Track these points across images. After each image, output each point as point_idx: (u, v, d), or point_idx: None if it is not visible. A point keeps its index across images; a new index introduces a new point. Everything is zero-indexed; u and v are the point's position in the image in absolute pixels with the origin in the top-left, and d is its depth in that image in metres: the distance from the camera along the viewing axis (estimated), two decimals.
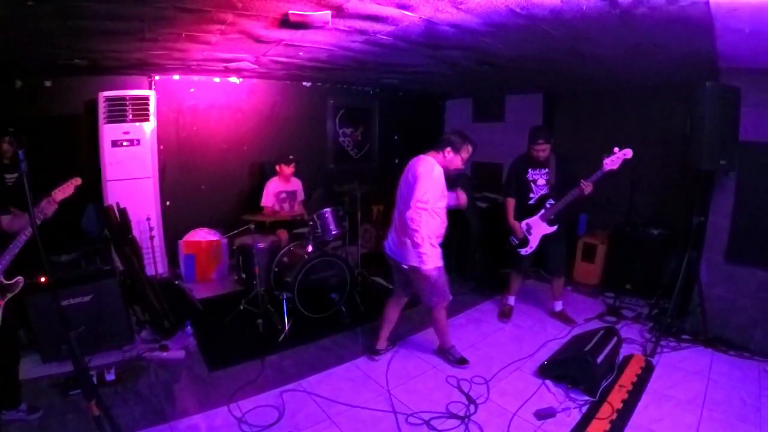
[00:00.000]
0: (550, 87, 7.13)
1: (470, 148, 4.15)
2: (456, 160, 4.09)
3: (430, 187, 3.85)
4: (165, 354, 4.58)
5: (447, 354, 4.53)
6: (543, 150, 4.79)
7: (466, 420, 3.58)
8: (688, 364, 4.30)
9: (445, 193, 4.05)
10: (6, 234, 3.27)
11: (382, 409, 3.77)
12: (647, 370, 4.16)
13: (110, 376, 4.07)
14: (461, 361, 4.42)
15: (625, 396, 3.75)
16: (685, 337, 4.72)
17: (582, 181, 4.57)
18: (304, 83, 7.85)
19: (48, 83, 6.09)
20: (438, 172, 3.92)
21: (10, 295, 3.28)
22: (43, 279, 4.25)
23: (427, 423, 3.57)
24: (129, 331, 4.80)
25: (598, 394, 3.75)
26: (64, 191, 3.35)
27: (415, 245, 3.84)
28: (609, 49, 4.01)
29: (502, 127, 8.17)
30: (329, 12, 3.28)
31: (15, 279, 3.29)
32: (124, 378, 4.17)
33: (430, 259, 3.87)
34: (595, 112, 6.90)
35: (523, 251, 5.10)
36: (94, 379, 3.96)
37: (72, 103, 6.25)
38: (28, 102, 5.98)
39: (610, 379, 3.95)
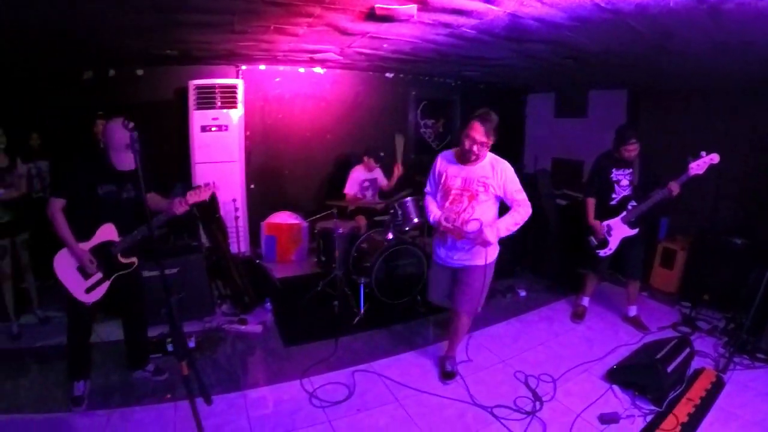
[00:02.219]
0: (635, 83, 6.88)
1: (472, 123, 3.67)
2: (462, 140, 3.74)
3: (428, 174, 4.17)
4: (243, 327, 4.84)
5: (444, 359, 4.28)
6: (634, 150, 4.65)
7: (531, 416, 3.59)
8: (760, 385, 4.07)
9: (442, 181, 3.95)
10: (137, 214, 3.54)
11: (448, 397, 3.84)
12: (717, 386, 3.98)
13: (191, 344, 4.37)
14: (448, 376, 4.11)
15: (692, 410, 3.62)
16: (760, 356, 4.45)
17: (671, 182, 4.43)
18: (387, 74, 7.96)
19: (140, 72, 6.56)
20: (435, 161, 4.08)
21: (120, 273, 3.59)
22: None
23: (492, 414, 3.62)
24: (211, 304, 5.12)
25: (664, 405, 3.65)
26: (199, 195, 3.56)
27: None
28: (696, 46, 3.85)
29: (585, 124, 7.98)
30: (415, 6, 3.33)
31: (131, 259, 3.63)
32: (203, 347, 4.48)
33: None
34: (682, 111, 6.58)
35: (602, 253, 4.95)
36: (173, 346, 4.27)
37: (162, 91, 6.70)
38: (121, 90, 6.46)
39: (678, 391, 3.82)
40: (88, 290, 3.46)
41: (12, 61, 5.32)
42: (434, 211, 3.92)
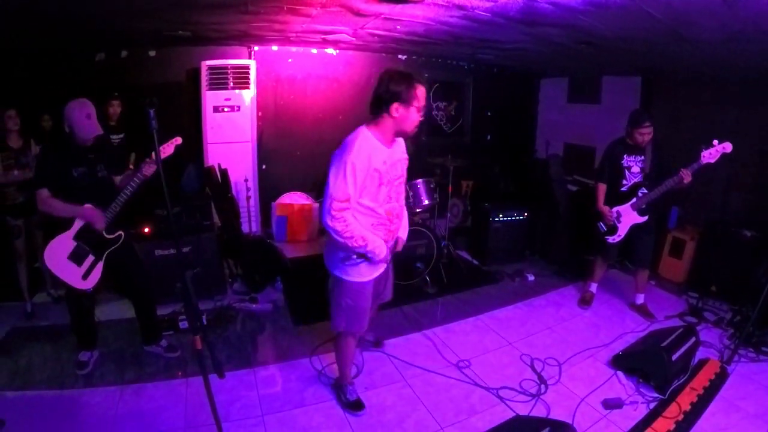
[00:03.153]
0: (650, 70, 6.80)
1: (422, 89, 2.89)
2: (410, 115, 2.86)
3: (344, 176, 2.74)
4: (254, 306, 4.93)
5: (340, 390, 3.59)
6: (648, 133, 4.60)
7: (536, 398, 3.64)
8: (764, 378, 4.06)
9: (385, 180, 2.90)
10: (113, 191, 3.62)
11: (455, 377, 3.90)
12: (721, 377, 3.99)
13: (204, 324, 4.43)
14: (354, 406, 3.46)
15: (695, 399, 3.63)
16: (765, 349, 4.42)
17: (682, 169, 4.40)
18: (400, 56, 7.90)
19: (152, 53, 6.61)
20: (359, 154, 2.76)
21: (111, 248, 3.66)
22: (147, 230, 4.69)
23: (497, 395, 3.67)
24: (222, 282, 5.21)
25: (667, 393, 3.66)
26: (164, 151, 3.58)
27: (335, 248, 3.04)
28: (712, 33, 3.79)
29: (598, 110, 7.89)
30: None
31: (116, 234, 3.68)
32: (214, 324, 4.57)
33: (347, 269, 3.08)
34: (695, 100, 6.47)
35: (611, 239, 4.95)
36: (186, 324, 4.35)
37: (175, 72, 6.76)
38: (134, 70, 6.53)
39: (682, 380, 3.83)
40: (84, 276, 3.54)
41: (25, 43, 5.36)
42: (370, 238, 2.90)
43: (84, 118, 3.34)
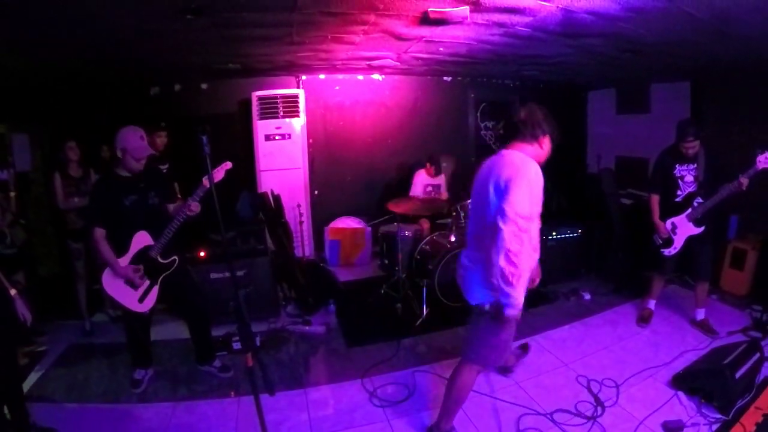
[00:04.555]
0: (698, 74, 6.63)
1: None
2: (548, 152, 2.94)
3: (527, 193, 2.61)
4: (307, 328, 4.99)
5: None
6: (693, 148, 4.47)
7: (592, 421, 3.51)
8: None
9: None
10: (166, 218, 3.78)
11: (508, 401, 3.80)
12: None
13: (256, 342, 4.52)
14: None
15: (761, 419, 3.42)
16: None
17: (741, 176, 4.25)
18: (445, 78, 7.99)
19: (204, 86, 6.95)
20: (534, 172, 2.67)
21: (165, 273, 3.81)
22: (202, 253, 4.84)
23: (551, 419, 3.57)
24: (276, 305, 5.32)
25: (731, 413, 3.47)
26: (215, 176, 3.66)
27: (504, 278, 2.60)
28: (755, 28, 3.69)
29: (648, 119, 7.71)
30: (467, 7, 3.37)
31: (171, 259, 3.83)
32: (268, 345, 4.67)
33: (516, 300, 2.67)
34: (748, 102, 6.19)
35: (667, 252, 4.79)
36: (239, 345, 4.45)
37: (227, 103, 7.06)
38: (187, 103, 6.89)
39: (746, 399, 3.61)
40: (141, 299, 3.70)
41: (86, 81, 5.74)
42: (523, 284, 2.69)
43: (138, 140, 3.55)
